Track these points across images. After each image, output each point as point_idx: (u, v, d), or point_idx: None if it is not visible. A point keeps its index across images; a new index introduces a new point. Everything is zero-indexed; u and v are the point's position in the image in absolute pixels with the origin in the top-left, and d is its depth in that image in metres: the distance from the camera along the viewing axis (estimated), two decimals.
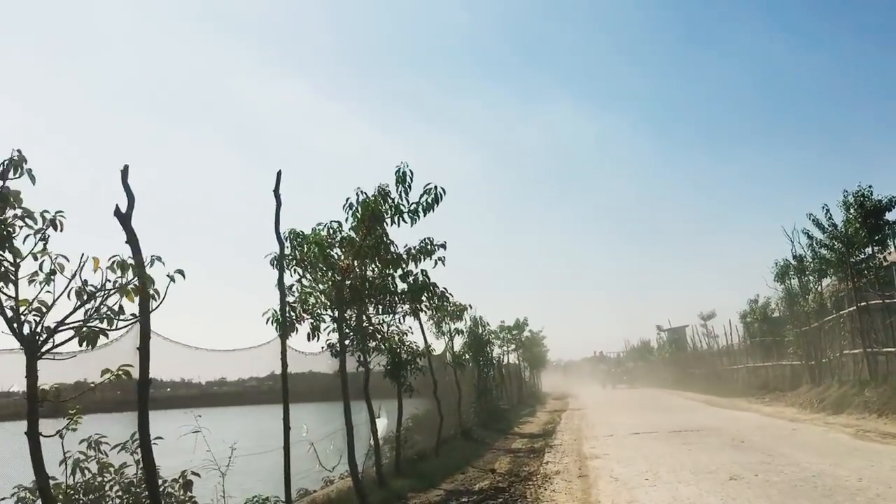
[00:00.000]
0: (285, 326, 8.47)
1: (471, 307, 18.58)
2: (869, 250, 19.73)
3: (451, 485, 11.39)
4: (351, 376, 11.05)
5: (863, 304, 18.81)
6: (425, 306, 11.00)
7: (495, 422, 22.32)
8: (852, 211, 19.34)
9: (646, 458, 12.06)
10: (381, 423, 12.25)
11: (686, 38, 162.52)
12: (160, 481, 6.78)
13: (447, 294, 10.78)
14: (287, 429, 8.07)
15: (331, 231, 9.56)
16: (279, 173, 8.51)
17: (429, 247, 10.76)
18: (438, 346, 19.19)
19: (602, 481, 10.11)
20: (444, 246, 10.86)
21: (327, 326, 9.93)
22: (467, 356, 18.95)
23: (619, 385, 51.13)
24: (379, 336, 10.77)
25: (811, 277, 24.13)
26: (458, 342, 18.88)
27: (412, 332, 12.41)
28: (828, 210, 20.52)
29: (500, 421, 23.28)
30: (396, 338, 12.32)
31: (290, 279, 9.75)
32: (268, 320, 8.90)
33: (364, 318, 10.37)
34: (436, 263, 10.82)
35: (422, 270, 10.15)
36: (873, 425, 15.23)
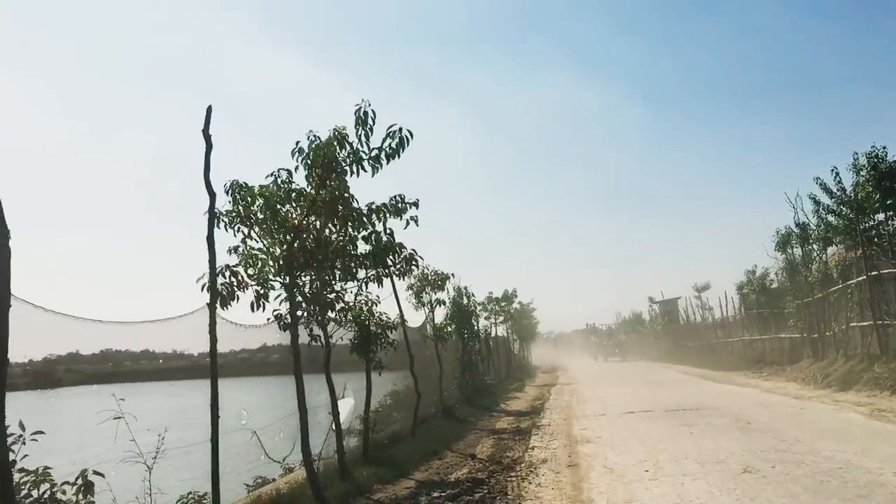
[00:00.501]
0: (215, 291, 7.05)
1: (453, 276, 17.28)
2: (881, 216, 18.42)
3: (425, 473, 10.09)
4: (313, 350, 9.71)
5: (874, 273, 17.53)
6: (393, 271, 9.54)
7: (480, 398, 21.09)
8: (864, 173, 17.97)
9: (643, 442, 10.77)
10: (347, 405, 10.91)
11: (683, 7, 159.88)
12: (46, 486, 5.41)
13: (416, 257, 9.36)
14: (215, 417, 6.69)
15: (279, 182, 8.10)
16: (209, 110, 7.04)
17: (399, 205, 9.36)
18: (418, 317, 17.90)
19: (595, 472, 8.81)
20: (416, 204, 9.46)
21: (278, 294, 8.52)
22: (450, 328, 17.61)
23: (610, 358, 50.02)
24: (340, 306, 9.36)
25: (815, 246, 22.83)
26: (440, 314, 17.56)
27: (380, 303, 11.08)
28: (837, 173, 19.18)
29: (486, 397, 22.06)
30: (365, 308, 11.00)
31: (234, 240, 8.34)
32: (203, 287, 7.49)
33: (321, 285, 8.96)
34: (407, 223, 9.43)
35: (386, 229, 8.71)
36: (888, 404, 14.01)
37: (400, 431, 13.71)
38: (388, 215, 8.89)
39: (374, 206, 8.49)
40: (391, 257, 8.90)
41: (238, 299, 7.83)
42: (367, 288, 9.27)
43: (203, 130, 7.01)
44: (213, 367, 6.62)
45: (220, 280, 7.67)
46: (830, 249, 21.90)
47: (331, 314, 9.34)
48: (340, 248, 8.59)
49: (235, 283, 7.89)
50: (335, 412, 9.53)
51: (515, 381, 31.85)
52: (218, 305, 7.59)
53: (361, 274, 9.18)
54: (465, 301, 20.44)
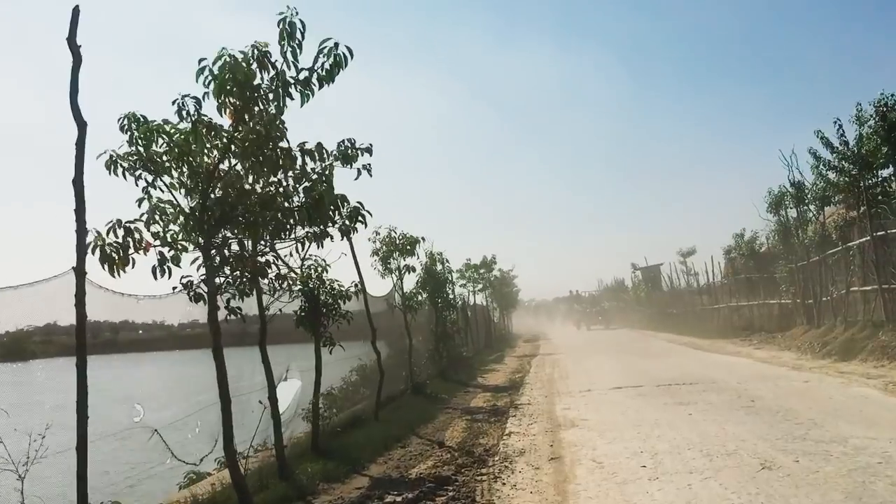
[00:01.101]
0: (83, 251, 5.38)
1: (423, 240, 15.67)
2: (887, 171, 17.02)
3: (383, 467, 8.61)
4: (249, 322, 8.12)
5: (880, 233, 16.14)
6: (339, 228, 7.89)
7: (456, 371, 19.64)
8: (871, 125, 16.49)
9: (636, 427, 9.31)
10: (291, 388, 9.33)
11: None
12: None
13: (363, 210, 7.72)
14: (83, 416, 5.08)
15: (184, 114, 6.40)
16: (75, 11, 5.32)
17: (349, 151, 7.73)
18: (385, 286, 16.35)
19: (582, 468, 7.33)
20: (369, 150, 7.86)
21: (195, 258, 6.86)
22: (420, 297, 16.05)
23: (593, 326, 48.78)
24: (278, 272, 7.74)
25: (812, 206, 21.45)
26: (410, 281, 15.97)
27: (329, 268, 9.49)
28: (840, 125, 17.68)
29: (463, 370, 20.62)
30: (314, 274, 9.41)
31: (136, 190, 6.65)
32: (93, 247, 5.85)
33: (252, 245, 7.32)
34: (359, 173, 7.82)
35: (323, 174, 7.07)
36: None
37: (361, 414, 12.20)
38: (327, 159, 7.27)
39: (306, 147, 6.81)
40: (332, 211, 7.26)
41: (133, 263, 6.17)
42: (304, 249, 7.61)
43: (67, 39, 5.30)
44: (81, 350, 5.00)
45: (111, 239, 6.02)
46: (828, 209, 20.50)
47: (264, 282, 7.74)
48: (269, 199, 6.93)
49: (132, 244, 6.22)
50: (272, 397, 7.96)
51: (495, 352, 30.49)
52: (110, 270, 5.99)
53: (301, 232, 7.53)
54: (439, 267, 18.86)
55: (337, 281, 9.57)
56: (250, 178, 6.88)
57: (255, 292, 7.70)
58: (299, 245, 7.44)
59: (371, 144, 8.06)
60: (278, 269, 7.62)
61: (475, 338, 28.66)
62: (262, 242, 7.34)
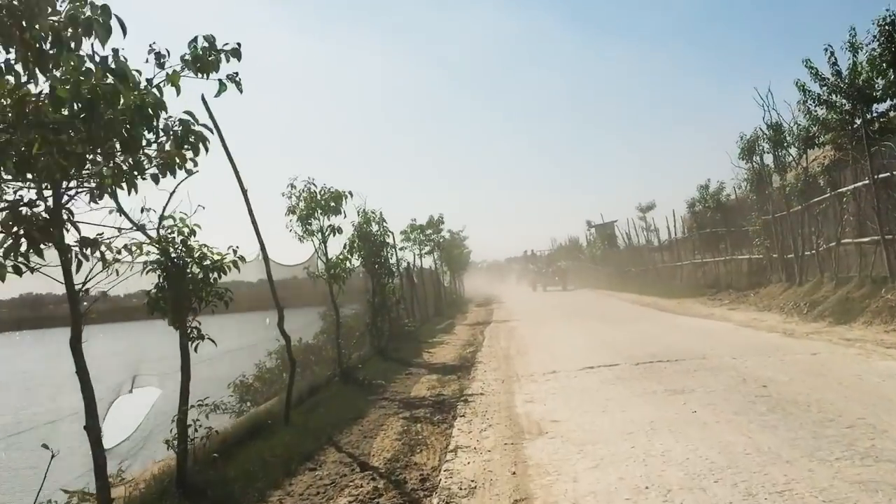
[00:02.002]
0: None
1: (350, 195, 12.91)
2: (886, 104, 14.81)
3: None
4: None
5: (883, 175, 13.94)
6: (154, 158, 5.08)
7: (398, 348, 17.06)
8: (875, 47, 14.16)
9: (628, 435, 6.82)
10: (140, 403, 6.59)
11: None
12: None
13: (196, 127, 4.94)
14: None
15: None
16: None
17: (207, 54, 5.01)
18: (303, 252, 13.58)
19: None
20: (236, 53, 5.20)
21: None
22: (351, 263, 13.28)
23: (550, 287, 46.56)
24: (83, 236, 4.95)
25: (791, 150, 19.26)
26: (337, 244, 13.22)
27: (199, 229, 6.74)
28: (832, 53, 15.35)
29: (407, 344, 18.07)
30: (177, 238, 6.67)
31: None
32: None
33: (38, 191, 4.51)
34: (222, 86, 5.11)
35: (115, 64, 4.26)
36: None
37: (267, 416, 9.51)
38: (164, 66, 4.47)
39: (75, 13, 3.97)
40: (146, 128, 4.46)
41: None
42: (99, 198, 4.81)
43: None
44: None
45: None
46: (812, 153, 18.32)
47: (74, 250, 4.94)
48: (41, 108, 4.09)
49: None
50: (92, 425, 5.22)
51: (445, 320, 28.02)
52: None
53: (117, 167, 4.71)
54: (376, 228, 16.11)
55: (208, 246, 6.81)
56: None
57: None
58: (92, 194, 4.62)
59: (239, 44, 5.39)
60: (77, 229, 4.80)
61: (422, 306, 26.11)
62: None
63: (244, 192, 8.84)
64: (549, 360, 12.82)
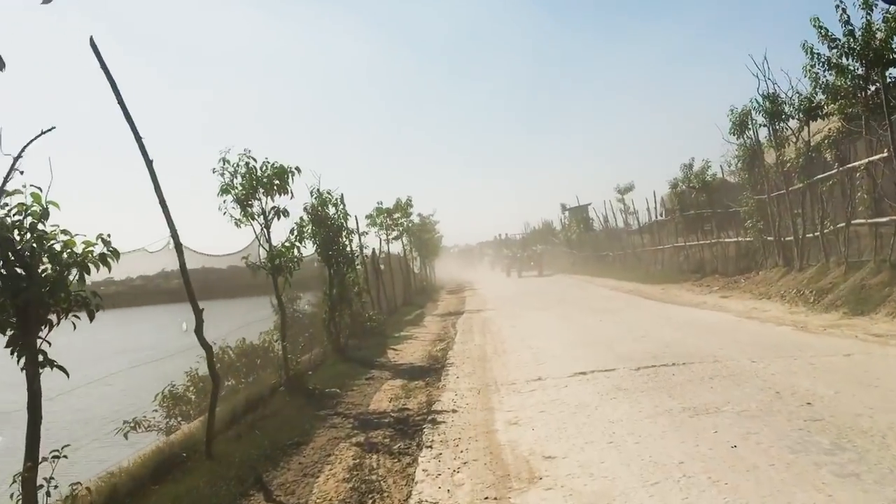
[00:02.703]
0: None
1: (298, 171, 10.95)
2: None
3: None
4: None
5: None
6: None
7: (360, 346, 15.18)
8: (891, 8, 12.50)
9: (654, 488, 4.97)
10: None
11: None
12: None
13: None
14: None
15: None
16: None
17: None
18: (240, 239, 11.59)
19: None
20: None
21: None
22: (299, 251, 11.30)
23: (525, 272, 44.65)
24: None
25: (789, 123, 17.63)
26: (282, 230, 11.27)
27: (57, 209, 4.84)
28: (844, 10, 13.65)
29: (370, 340, 16.19)
30: (25, 220, 4.77)
31: None
32: None
33: None
34: None
35: None
36: None
37: (183, 447, 7.56)
38: None
39: None
40: None
41: None
42: None
43: None
44: None
45: None
46: (814, 125, 16.67)
47: None
48: None
49: None
50: None
51: (415, 309, 26.16)
52: None
53: None
54: (332, 211, 14.14)
55: (65, 232, 4.86)
56: None
57: None
58: None
59: None
60: None
61: (389, 295, 24.19)
62: None
63: (148, 163, 6.87)
64: (532, 362, 11.01)
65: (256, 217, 10.62)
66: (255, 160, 10.42)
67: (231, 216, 10.30)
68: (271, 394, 10.33)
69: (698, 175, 25.90)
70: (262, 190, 10.58)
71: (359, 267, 18.68)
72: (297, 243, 11.02)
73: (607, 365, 9.95)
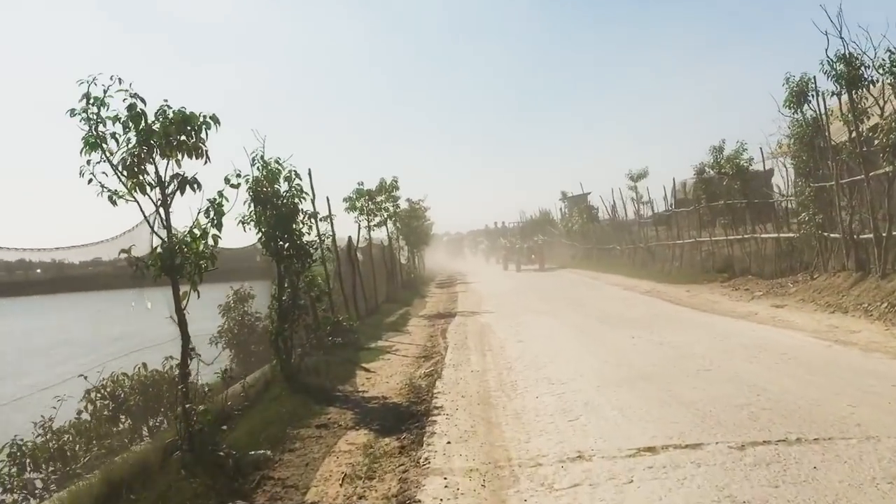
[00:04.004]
0: None
1: (216, 124, 7.28)
2: None
3: None
4: None
5: None
6: None
7: (318, 368, 11.49)
8: None
9: None
10: None
11: None
12: None
13: None
14: None
15: None
16: None
17: None
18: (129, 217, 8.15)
19: None
20: None
21: None
22: (213, 240, 7.54)
23: (525, 266, 40.54)
24: None
25: (867, 92, 14.03)
26: (191, 208, 7.53)
27: None
28: None
29: (337, 355, 12.55)
30: None
31: None
32: None
33: None
34: None
35: None
36: None
37: None
38: None
39: None
40: None
41: None
42: None
43: None
44: None
45: None
46: None
47: None
48: None
49: None
50: None
51: (399, 308, 22.53)
52: None
53: None
54: (284, 187, 10.45)
55: None
56: None
57: None
58: None
59: None
60: None
61: (369, 291, 20.52)
62: None
63: None
64: (560, 415, 7.40)
65: (148, 189, 6.96)
66: (143, 102, 6.74)
67: (101, 185, 6.62)
68: (162, 463, 6.69)
69: (730, 159, 22.27)
70: (157, 151, 6.93)
71: (327, 261, 15.02)
72: (213, 229, 7.31)
73: (683, 432, 6.35)
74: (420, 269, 42.10)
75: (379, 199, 22.60)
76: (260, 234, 10.37)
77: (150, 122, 6.80)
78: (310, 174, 14.56)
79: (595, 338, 12.81)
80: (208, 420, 6.98)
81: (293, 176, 10.58)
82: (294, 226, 10.65)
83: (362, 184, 21.56)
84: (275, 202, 10.31)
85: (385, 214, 23.59)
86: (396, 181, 23.54)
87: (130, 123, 6.71)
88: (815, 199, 16.45)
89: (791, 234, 18.95)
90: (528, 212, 60.63)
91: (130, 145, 6.77)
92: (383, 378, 10.92)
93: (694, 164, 24.78)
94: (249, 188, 10.04)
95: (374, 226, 22.67)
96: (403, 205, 31.37)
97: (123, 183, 6.81)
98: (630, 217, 34.44)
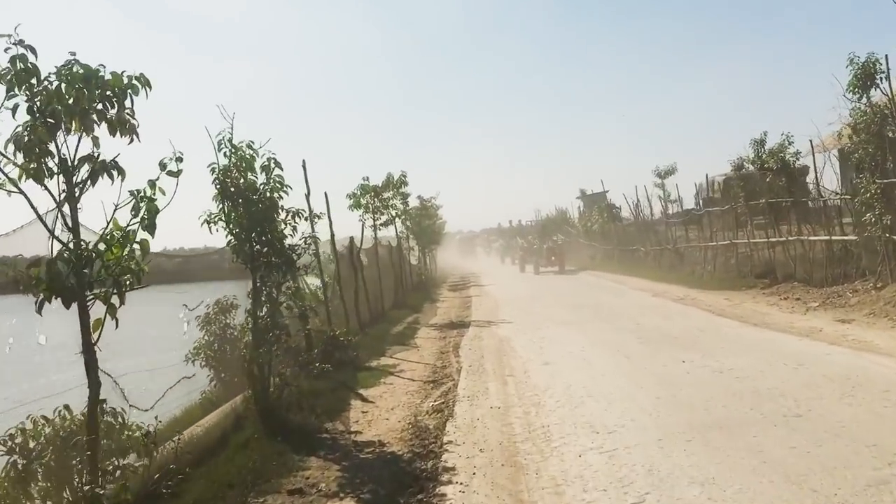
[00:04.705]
0: None
1: (145, 85, 5.24)
2: None
3: None
4: None
5: None
6: None
7: (315, 391, 9.48)
8: None
9: None
10: None
11: None
12: None
13: None
14: None
15: None
16: None
17: None
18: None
19: None
20: None
21: None
22: (144, 246, 5.57)
23: (544, 268, 37.87)
24: None
25: None
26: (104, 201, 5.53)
27: None
28: None
29: (329, 380, 10.52)
30: None
31: None
32: None
33: None
34: None
35: None
36: None
37: None
38: None
39: None
40: None
41: None
42: None
43: None
44: None
45: None
46: None
47: None
48: None
49: None
50: None
51: (407, 314, 20.56)
52: None
53: None
54: (261, 178, 8.45)
55: None
56: None
57: None
58: None
59: None
60: None
61: (373, 299, 18.51)
62: None
63: None
64: (618, 493, 5.35)
65: (53, 174, 5.04)
66: (34, 53, 4.81)
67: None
68: None
69: (774, 153, 20.13)
70: (76, 119, 5.02)
71: (325, 266, 13.05)
72: (143, 232, 5.31)
73: None
74: (431, 270, 40.11)
75: (386, 195, 20.60)
76: (229, 235, 8.38)
77: (45, 82, 4.85)
78: (304, 166, 12.67)
79: (636, 362, 10.73)
80: (126, 500, 4.98)
81: (272, 165, 8.57)
82: (273, 226, 8.64)
83: (367, 179, 19.58)
84: (248, 197, 8.32)
85: (393, 212, 21.61)
86: (405, 176, 21.57)
87: (15, 82, 4.78)
88: (883, 197, 14.29)
89: (849, 237, 16.82)
90: (543, 210, 58.39)
91: (41, 114, 4.89)
92: (383, 412, 8.93)
93: (731, 158, 22.61)
94: (216, 179, 8.08)
95: (381, 225, 20.71)
96: (414, 202, 29.47)
97: (19, 166, 4.91)
98: (656, 216, 32.25)
